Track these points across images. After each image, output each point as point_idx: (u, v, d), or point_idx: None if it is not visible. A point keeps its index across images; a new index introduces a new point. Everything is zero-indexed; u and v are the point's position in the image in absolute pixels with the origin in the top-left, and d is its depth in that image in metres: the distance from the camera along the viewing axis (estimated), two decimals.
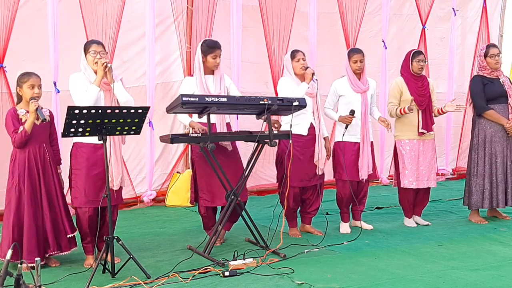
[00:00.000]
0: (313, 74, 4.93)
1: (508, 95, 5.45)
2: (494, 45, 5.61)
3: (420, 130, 5.29)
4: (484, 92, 5.45)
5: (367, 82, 5.26)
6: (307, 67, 4.97)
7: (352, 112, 5.08)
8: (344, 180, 5.19)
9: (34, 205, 4.10)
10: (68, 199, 4.40)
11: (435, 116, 5.47)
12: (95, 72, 4.15)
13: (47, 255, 4.19)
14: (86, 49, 4.21)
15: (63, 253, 4.27)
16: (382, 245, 4.73)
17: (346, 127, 5.11)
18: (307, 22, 7.27)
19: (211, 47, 4.70)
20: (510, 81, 5.57)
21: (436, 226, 5.44)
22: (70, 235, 4.26)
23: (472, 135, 5.62)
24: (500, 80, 5.50)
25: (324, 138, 5.16)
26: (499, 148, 5.43)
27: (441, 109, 5.43)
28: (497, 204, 5.45)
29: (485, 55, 5.50)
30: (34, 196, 4.11)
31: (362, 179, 5.20)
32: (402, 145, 5.37)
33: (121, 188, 4.35)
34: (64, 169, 4.44)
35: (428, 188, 5.48)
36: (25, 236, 4.06)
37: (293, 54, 5.03)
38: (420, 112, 5.31)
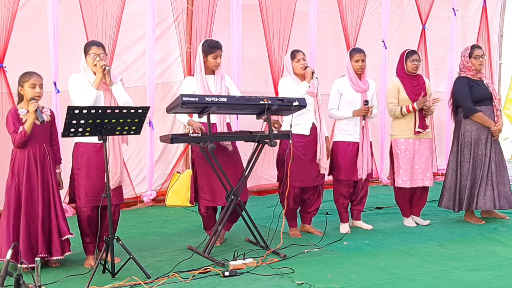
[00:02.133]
0: (312, 72, 4.93)
1: (493, 97, 5.45)
2: (478, 46, 5.60)
3: (417, 129, 5.29)
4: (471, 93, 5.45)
5: (367, 82, 5.27)
6: (307, 66, 4.98)
7: (366, 102, 5.09)
8: (340, 180, 5.20)
9: (30, 206, 4.08)
10: (68, 199, 4.39)
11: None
12: (95, 74, 4.15)
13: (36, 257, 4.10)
14: (86, 51, 4.21)
15: (54, 258, 4.13)
16: (382, 245, 4.73)
17: (364, 118, 5.11)
18: (307, 22, 7.27)
19: (212, 47, 4.70)
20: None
21: (436, 226, 5.44)
22: (64, 237, 4.16)
23: (456, 135, 5.56)
24: (484, 82, 5.50)
25: (325, 138, 5.17)
26: (482, 150, 5.43)
27: (413, 106, 5.25)
28: (475, 207, 5.42)
29: (470, 56, 5.50)
30: (32, 196, 4.10)
31: (361, 178, 5.20)
32: (397, 144, 5.37)
33: (120, 186, 4.34)
34: (64, 169, 4.44)
35: (426, 188, 5.48)
36: (21, 236, 4.04)
37: (293, 54, 5.03)
38: (416, 111, 5.30)
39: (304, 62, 5.01)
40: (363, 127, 5.12)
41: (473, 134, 5.43)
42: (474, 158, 5.43)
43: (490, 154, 5.43)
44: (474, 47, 5.55)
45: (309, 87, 4.93)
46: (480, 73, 5.53)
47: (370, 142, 5.28)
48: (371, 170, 5.28)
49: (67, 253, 4.21)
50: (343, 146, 5.19)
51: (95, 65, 4.13)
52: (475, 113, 5.42)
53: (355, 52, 5.23)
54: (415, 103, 5.24)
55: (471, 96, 5.43)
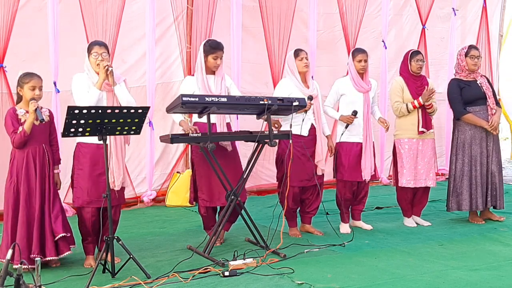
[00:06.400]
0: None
1: (487, 97, 5.42)
2: (476, 48, 5.56)
3: (420, 129, 5.29)
4: (462, 95, 5.42)
5: (369, 82, 5.27)
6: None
7: (355, 113, 5.09)
8: (345, 180, 5.20)
9: (28, 206, 4.07)
10: (69, 199, 4.39)
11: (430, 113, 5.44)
12: (98, 74, 4.15)
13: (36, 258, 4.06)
14: (89, 50, 4.20)
15: (48, 258, 4.07)
16: (382, 245, 4.73)
17: (346, 127, 5.12)
18: (307, 22, 7.27)
19: (213, 48, 4.69)
20: (488, 82, 5.54)
21: (436, 226, 5.44)
22: (57, 237, 4.09)
23: (452, 137, 5.59)
24: (478, 82, 5.47)
25: (327, 136, 5.17)
26: (479, 150, 5.42)
27: (418, 101, 5.25)
28: (476, 207, 5.43)
29: (466, 54, 5.47)
30: (30, 197, 4.09)
31: (365, 180, 5.20)
32: (401, 144, 5.37)
33: (123, 188, 4.34)
34: (64, 169, 4.44)
35: (427, 188, 5.48)
36: (18, 237, 4.03)
37: (297, 52, 5.05)
38: (420, 111, 5.31)
39: (307, 61, 5.02)
40: (341, 134, 5.14)
41: (467, 134, 5.42)
42: (471, 157, 5.42)
43: (487, 153, 5.43)
44: (471, 47, 5.53)
45: (309, 88, 4.94)
46: (475, 73, 5.49)
47: (373, 143, 5.29)
48: (374, 171, 5.29)
49: (66, 253, 4.18)
50: (347, 146, 5.20)
51: (98, 65, 4.13)
52: (464, 115, 5.41)
53: (358, 52, 5.24)
54: (420, 98, 5.22)
55: (461, 98, 5.42)
